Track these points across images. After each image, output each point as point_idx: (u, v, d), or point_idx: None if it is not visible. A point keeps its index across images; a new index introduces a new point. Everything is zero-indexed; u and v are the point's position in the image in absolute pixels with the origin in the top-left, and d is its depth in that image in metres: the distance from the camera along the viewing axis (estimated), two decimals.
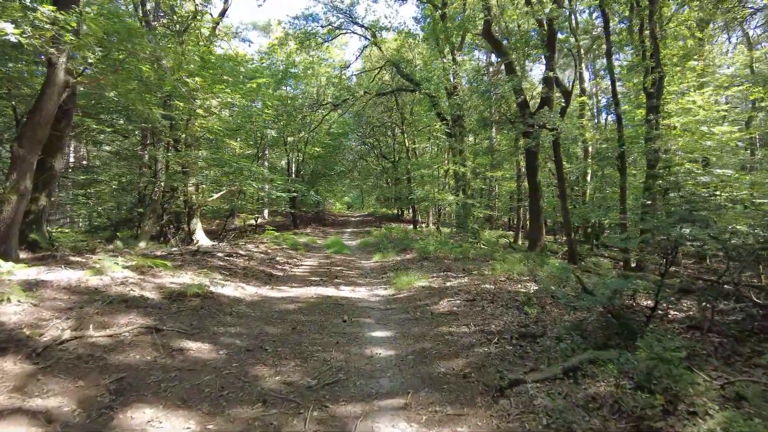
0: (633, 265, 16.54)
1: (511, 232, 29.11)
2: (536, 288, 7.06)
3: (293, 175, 29.05)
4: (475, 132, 17.78)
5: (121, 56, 8.63)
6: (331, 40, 25.22)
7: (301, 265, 11.66)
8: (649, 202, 15.92)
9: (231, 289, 7.51)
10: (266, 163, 30.58)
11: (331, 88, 25.65)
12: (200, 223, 18.47)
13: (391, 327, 5.86)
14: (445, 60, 20.64)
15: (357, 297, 7.69)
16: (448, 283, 8.11)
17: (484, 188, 23.78)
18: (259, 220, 29.09)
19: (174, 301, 6.33)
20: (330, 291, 8.07)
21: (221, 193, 20.73)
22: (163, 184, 14.41)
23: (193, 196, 17.89)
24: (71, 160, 24.77)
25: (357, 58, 25.92)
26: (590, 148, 23.21)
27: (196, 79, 9.96)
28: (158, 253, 9.87)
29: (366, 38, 24.67)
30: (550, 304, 5.96)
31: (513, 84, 13.64)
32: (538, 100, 16.58)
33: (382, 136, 32.48)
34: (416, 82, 21.83)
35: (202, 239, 17.74)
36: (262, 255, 11.88)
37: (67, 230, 19.22)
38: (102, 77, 8.61)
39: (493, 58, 26.13)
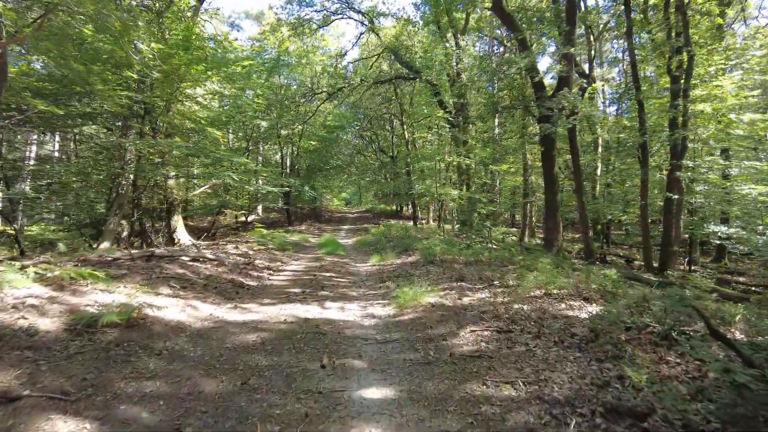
0: (655, 264, 14.68)
1: (515, 229, 27.02)
2: (593, 311, 4.98)
3: (288, 170, 26.95)
4: (483, 118, 15.58)
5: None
6: (326, 26, 23.02)
7: (284, 270, 9.55)
8: (677, 196, 14.00)
9: (176, 310, 5.41)
10: (260, 158, 28.46)
11: (326, 77, 23.48)
12: (182, 220, 16.39)
13: (393, 379, 3.77)
14: (447, 44, 18.52)
15: (346, 320, 5.59)
16: (466, 299, 6.03)
17: (488, 182, 21.64)
18: (253, 217, 27.00)
19: (79, 334, 4.24)
20: (312, 310, 5.96)
21: (204, 187, 18.66)
22: (132, 176, 12.28)
23: (174, 191, 15.81)
24: (56, 153, 22.61)
25: (354, 46, 23.89)
26: (600, 140, 21.12)
27: (152, 45, 7.88)
28: (109, 257, 7.73)
29: (363, 24, 22.51)
30: (629, 342, 3.87)
31: (530, 60, 11.52)
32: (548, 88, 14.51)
33: (380, 130, 30.35)
34: (416, 70, 19.71)
35: (183, 238, 15.71)
36: (240, 258, 9.78)
37: (52, 227, 17.17)
38: (21, 35, 6.49)
39: (497, 47, 24.04)
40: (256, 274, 8.43)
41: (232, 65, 14.12)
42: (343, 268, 9.94)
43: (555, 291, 5.87)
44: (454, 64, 18.22)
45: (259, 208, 29.48)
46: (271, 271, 9.04)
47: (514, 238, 21.11)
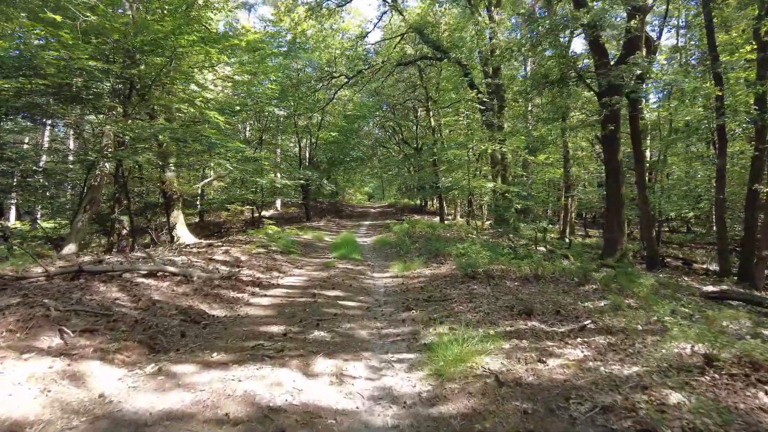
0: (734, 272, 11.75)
1: (550, 226, 23.86)
2: None
3: (306, 162, 24.51)
4: (527, 94, 12.59)
5: None
6: (346, 4, 20.27)
7: (278, 285, 6.94)
8: None
9: (34, 390, 2.84)
10: (278, 150, 26.10)
11: (345, 60, 20.83)
12: (182, 215, 14.08)
13: None
14: (480, 18, 15.62)
15: (342, 408, 2.92)
16: (553, 363, 3.30)
17: (523, 174, 18.67)
18: (271, 212, 24.71)
19: None
20: (285, 382, 3.27)
21: (209, 179, 16.35)
22: (108, 165, 9.92)
23: (174, 184, 13.52)
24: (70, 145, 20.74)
25: (375, 27, 21.01)
26: (649, 125, 17.86)
27: None
28: (14, 276, 5.28)
29: (386, 3, 19.75)
30: None
31: (594, 14, 8.60)
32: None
33: (403, 120, 27.58)
34: (444, 50, 16.92)
35: (183, 235, 13.44)
36: (225, 267, 7.28)
37: (65, 223, 15.18)
38: None
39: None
40: (232, 294, 5.86)
41: (235, 40, 11.65)
42: (355, 282, 7.30)
43: (721, 354, 3.08)
44: (488, 39, 15.35)
45: (278, 203, 27.22)
46: (257, 288, 6.47)
47: (551, 235, 18.20)
